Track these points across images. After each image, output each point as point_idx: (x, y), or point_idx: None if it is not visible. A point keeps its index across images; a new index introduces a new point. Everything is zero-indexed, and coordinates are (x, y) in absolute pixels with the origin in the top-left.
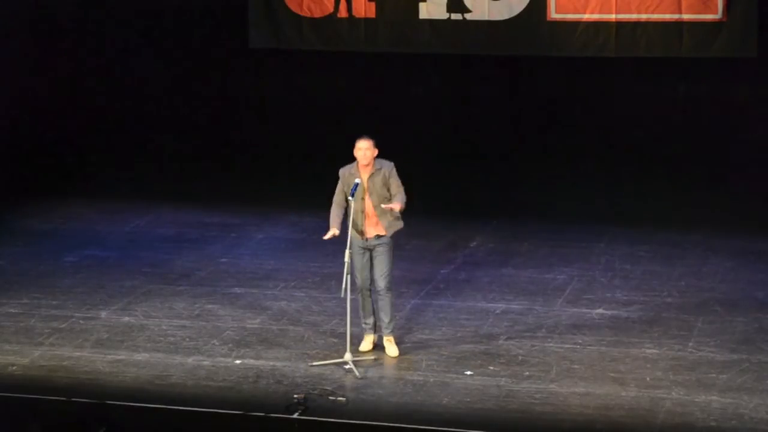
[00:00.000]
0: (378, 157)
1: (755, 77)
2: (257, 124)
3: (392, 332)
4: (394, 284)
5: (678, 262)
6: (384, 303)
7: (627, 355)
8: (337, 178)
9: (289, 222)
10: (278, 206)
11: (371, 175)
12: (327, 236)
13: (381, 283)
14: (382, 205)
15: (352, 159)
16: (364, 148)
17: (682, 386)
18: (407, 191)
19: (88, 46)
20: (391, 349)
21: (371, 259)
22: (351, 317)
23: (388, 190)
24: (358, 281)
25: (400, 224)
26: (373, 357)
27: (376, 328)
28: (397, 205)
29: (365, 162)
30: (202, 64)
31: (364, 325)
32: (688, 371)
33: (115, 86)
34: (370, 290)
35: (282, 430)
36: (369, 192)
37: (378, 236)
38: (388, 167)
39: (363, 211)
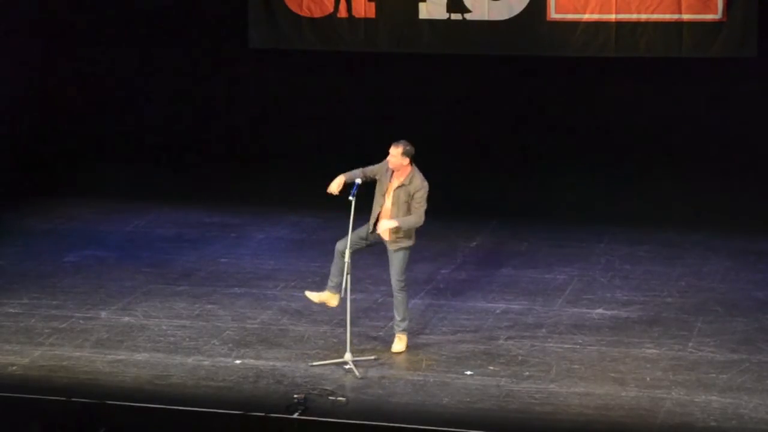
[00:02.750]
0: (413, 164)
1: (755, 77)
2: (257, 124)
3: (404, 330)
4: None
5: (678, 262)
6: (397, 302)
7: (627, 355)
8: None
9: (289, 222)
10: (278, 206)
11: (400, 186)
12: (331, 186)
13: (395, 284)
14: (383, 223)
15: (354, 160)
16: (391, 155)
17: (682, 386)
18: None
19: (89, 46)
20: (397, 345)
21: (388, 258)
22: (351, 317)
23: (409, 207)
24: (346, 241)
25: (405, 243)
26: (373, 357)
27: (340, 290)
28: (388, 224)
29: (392, 167)
30: (202, 64)
31: (329, 283)
32: (688, 371)
33: (115, 86)
34: (348, 254)
35: (282, 430)
36: (392, 201)
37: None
38: (417, 186)
39: (382, 207)
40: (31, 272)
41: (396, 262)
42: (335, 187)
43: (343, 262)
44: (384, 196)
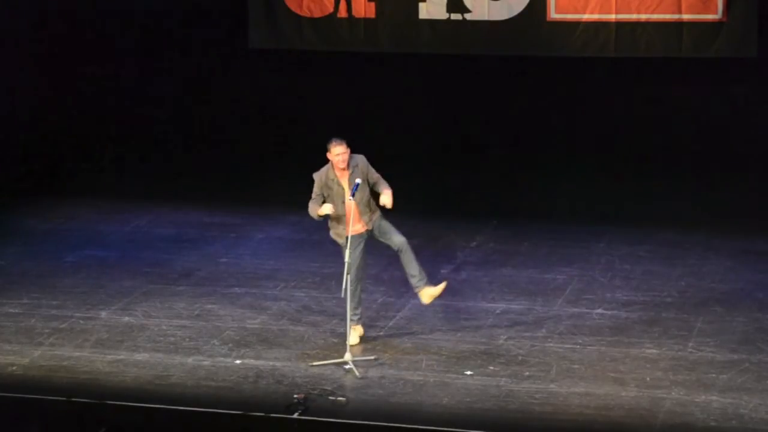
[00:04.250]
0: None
1: (755, 77)
2: (257, 124)
3: (426, 283)
4: (393, 277)
5: (678, 262)
6: (409, 258)
7: (627, 355)
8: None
9: (289, 222)
10: (278, 206)
11: (351, 174)
12: (329, 210)
13: (398, 238)
14: (382, 203)
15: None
16: (342, 152)
17: (682, 386)
18: (408, 192)
19: (88, 46)
20: (433, 290)
21: (373, 236)
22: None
23: (368, 183)
24: (352, 272)
25: (377, 214)
26: (373, 357)
27: (362, 320)
28: (389, 196)
29: (344, 165)
30: (202, 64)
31: (352, 317)
32: (688, 371)
33: (115, 86)
34: (360, 280)
35: (282, 430)
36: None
37: (364, 231)
38: (362, 161)
39: (345, 214)
40: (31, 272)
41: (388, 225)
42: (328, 209)
43: (356, 293)
44: (343, 202)
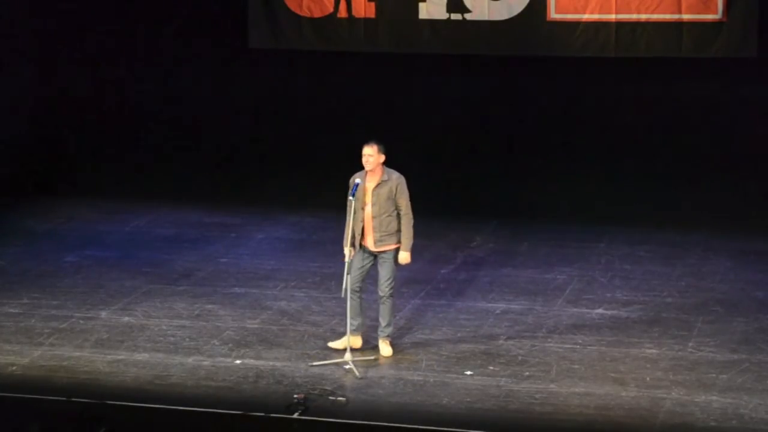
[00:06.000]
0: (385, 163)
1: (755, 77)
2: (257, 124)
3: (388, 336)
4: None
5: (678, 262)
6: (384, 307)
7: (627, 355)
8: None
9: (289, 222)
10: (278, 206)
11: (378, 185)
12: (344, 257)
13: (385, 288)
14: (401, 261)
15: (353, 161)
16: (367, 155)
17: (682, 386)
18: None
19: (88, 46)
20: (386, 349)
21: (376, 264)
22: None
23: (395, 204)
24: (349, 280)
25: (392, 242)
26: (373, 357)
27: (360, 329)
28: (406, 257)
29: (369, 168)
30: (202, 64)
31: (350, 325)
32: (688, 371)
33: (116, 86)
34: (359, 291)
35: (282, 430)
36: (372, 202)
37: (377, 249)
38: (397, 180)
39: (362, 220)
40: (31, 272)
41: (387, 264)
42: (347, 255)
43: (357, 301)
44: (362, 208)
